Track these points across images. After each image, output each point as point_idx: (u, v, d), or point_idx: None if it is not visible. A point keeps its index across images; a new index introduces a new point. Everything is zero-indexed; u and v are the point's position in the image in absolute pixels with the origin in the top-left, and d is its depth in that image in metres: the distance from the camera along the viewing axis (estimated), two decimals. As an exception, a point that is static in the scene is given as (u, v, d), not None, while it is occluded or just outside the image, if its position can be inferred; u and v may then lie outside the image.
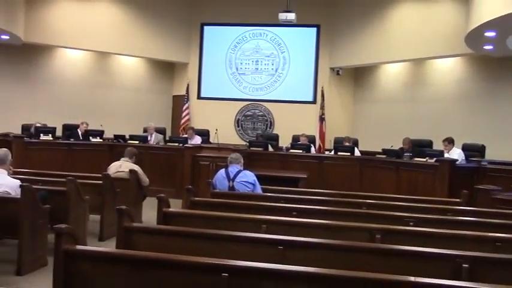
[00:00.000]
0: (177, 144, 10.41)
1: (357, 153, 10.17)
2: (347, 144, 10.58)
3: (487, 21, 7.77)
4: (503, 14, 7.35)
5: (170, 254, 2.86)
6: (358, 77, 13.46)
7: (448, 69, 11.33)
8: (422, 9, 11.01)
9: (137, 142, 10.22)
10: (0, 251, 5.19)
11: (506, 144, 9.67)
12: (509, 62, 9.92)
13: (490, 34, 8.41)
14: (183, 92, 13.58)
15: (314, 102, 13.10)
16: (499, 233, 3.93)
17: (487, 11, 7.82)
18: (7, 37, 10.99)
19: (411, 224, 4.34)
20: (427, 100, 11.60)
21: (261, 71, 13.62)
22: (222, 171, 6.03)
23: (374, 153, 9.96)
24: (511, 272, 3.01)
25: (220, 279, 2.58)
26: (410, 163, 8.79)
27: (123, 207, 3.54)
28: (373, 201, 5.58)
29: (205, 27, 13.77)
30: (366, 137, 11.78)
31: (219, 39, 13.77)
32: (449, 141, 8.98)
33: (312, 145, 10.85)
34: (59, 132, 10.76)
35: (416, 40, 10.96)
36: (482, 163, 8.56)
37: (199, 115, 13.34)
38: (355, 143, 10.86)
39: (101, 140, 10.46)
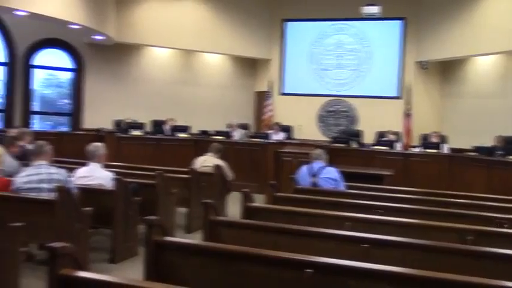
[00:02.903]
0: (260, 139, 10.53)
1: (445, 150, 9.77)
2: (435, 140, 10.19)
3: None
4: None
5: (253, 247, 2.91)
6: (446, 70, 12.89)
7: (547, 60, 10.56)
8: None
9: (221, 137, 10.45)
10: (96, 240, 5.51)
11: None
12: None
13: None
14: (266, 88, 13.69)
15: (399, 97, 12.73)
16: None
17: None
18: (101, 37, 11.65)
19: (506, 225, 4.10)
20: (523, 94, 10.88)
21: (344, 66, 13.42)
22: (305, 167, 6.02)
23: (463, 151, 9.52)
24: None
25: (304, 275, 2.59)
26: (504, 161, 8.31)
27: (209, 201, 3.64)
28: (462, 200, 5.35)
29: (287, 23, 13.78)
30: (454, 134, 11.26)
31: (301, 35, 13.73)
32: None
33: (397, 141, 10.56)
34: (148, 128, 11.26)
35: (508, 31, 10.29)
36: None
37: (281, 111, 13.39)
38: (444, 140, 10.43)
39: (187, 135, 10.81)
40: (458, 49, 11.62)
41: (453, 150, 9.94)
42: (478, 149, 9.04)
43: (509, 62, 11.33)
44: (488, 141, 9.46)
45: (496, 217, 4.33)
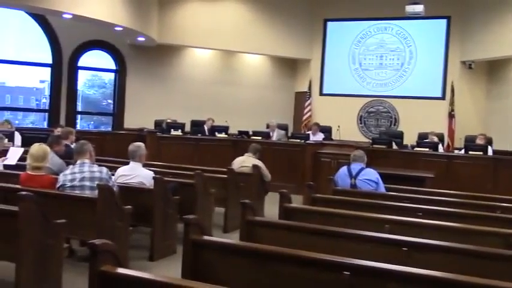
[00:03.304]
0: (298, 140, 10.49)
1: (490, 152, 9.47)
2: (480, 142, 9.90)
3: None
4: None
5: (291, 248, 2.89)
6: (492, 70, 12.50)
7: None
8: None
9: (260, 138, 10.46)
10: (135, 237, 5.60)
11: None
12: None
13: None
14: (305, 89, 13.63)
15: (443, 98, 12.43)
16: None
17: None
18: (143, 39, 11.86)
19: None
20: None
21: (386, 66, 13.22)
22: (345, 168, 5.96)
23: (509, 153, 9.21)
24: None
25: (341, 277, 2.56)
26: (553, 164, 7.99)
27: (247, 201, 3.65)
28: (509, 204, 5.17)
29: (328, 23, 13.68)
30: (500, 136, 10.90)
31: (342, 35, 13.60)
32: None
33: (439, 143, 10.31)
34: (187, 128, 11.39)
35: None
36: None
37: (321, 111, 13.31)
38: (489, 142, 10.12)
39: (226, 136, 10.87)
40: (505, 48, 11.25)
41: (499, 152, 9.63)
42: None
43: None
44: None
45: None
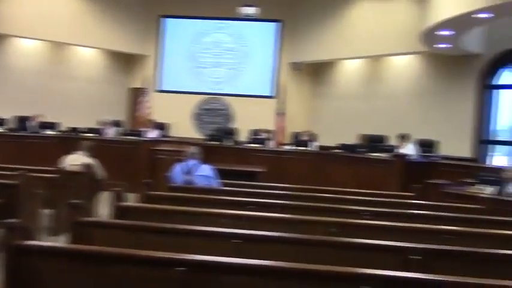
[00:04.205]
0: (134, 137, 10.27)
1: (314, 147, 10.28)
2: (306, 139, 10.69)
3: (442, 21, 7.99)
4: (457, 14, 7.58)
5: (125, 248, 2.82)
6: (318, 72, 13.60)
7: (404, 66, 11.60)
8: (379, 7, 11.22)
9: (93, 135, 10.02)
10: None
11: (457, 140, 9.99)
12: (462, 60, 10.23)
13: (445, 33, 8.65)
14: (141, 85, 13.38)
15: (273, 96, 13.16)
16: (449, 225, 4.07)
17: (442, 11, 8.05)
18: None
19: (366, 217, 4.42)
20: (384, 96, 11.84)
21: (221, 65, 13.56)
22: (180, 164, 6.00)
23: (332, 148, 10.10)
24: (460, 263, 3.11)
25: (176, 274, 2.56)
26: (366, 158, 8.96)
27: (77, 201, 3.47)
28: (330, 195, 5.67)
29: (166, 20, 13.60)
30: (325, 132, 11.90)
31: (180, 32, 13.63)
32: (404, 137, 9.21)
33: (270, 139, 10.90)
34: (12, 124, 10.41)
35: (373, 37, 11.16)
36: (434, 158, 8.86)
37: (157, 108, 13.16)
38: (314, 138, 10.97)
39: (54, 133, 10.20)
40: (329, 52, 12.33)
41: (321, 147, 10.50)
42: (343, 147, 9.65)
43: (372, 66, 12.27)
44: (353, 140, 10.15)
45: (359, 209, 4.66)
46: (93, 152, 7.36)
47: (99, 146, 8.66)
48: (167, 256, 2.66)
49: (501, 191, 6.34)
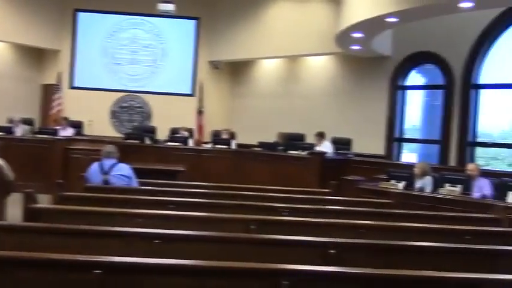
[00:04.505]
0: (46, 136, 9.82)
1: (234, 146, 10.35)
2: (224, 137, 10.72)
3: (355, 23, 8.31)
4: (369, 17, 7.93)
5: (38, 252, 2.69)
6: (236, 71, 13.68)
7: (321, 66, 11.96)
8: (296, 8, 11.47)
9: (1, 134, 9.47)
10: None
11: (372, 138, 10.47)
12: (375, 62, 10.72)
13: (357, 35, 9.01)
14: (54, 81, 12.80)
15: (193, 95, 13.08)
16: (363, 220, 4.25)
17: (355, 14, 8.37)
18: None
19: (285, 213, 4.51)
20: (301, 96, 12.13)
21: (139, 62, 13.27)
22: (96, 164, 5.80)
23: (251, 146, 10.22)
24: (374, 256, 3.26)
25: (92, 277, 2.48)
26: (284, 156, 9.15)
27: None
28: (249, 192, 5.72)
29: (80, 14, 13.08)
30: (243, 130, 12.02)
31: (94, 27, 13.16)
32: (321, 135, 9.51)
33: (190, 138, 10.84)
34: None
35: (291, 37, 11.40)
36: (349, 156, 9.23)
37: (72, 105, 12.65)
38: (233, 136, 11.04)
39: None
40: (247, 51, 12.43)
41: (240, 146, 10.60)
42: (262, 145, 9.79)
43: (290, 66, 12.53)
44: (272, 138, 10.32)
45: (278, 206, 4.74)
46: (1, 152, 6.94)
47: (8, 146, 8.20)
48: (83, 259, 2.57)
49: (410, 186, 6.73)
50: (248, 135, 11.61)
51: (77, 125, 11.29)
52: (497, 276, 2.76)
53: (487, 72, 9.52)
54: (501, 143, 9.74)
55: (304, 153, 8.90)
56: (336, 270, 2.65)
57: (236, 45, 12.56)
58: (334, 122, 11.05)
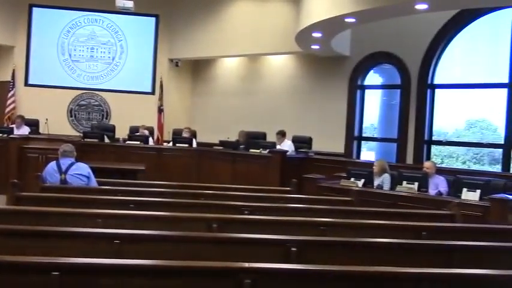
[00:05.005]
0: (1, 134, 9.54)
1: (194, 144, 10.29)
2: (185, 135, 10.65)
3: (314, 23, 8.40)
4: (328, 17, 8.02)
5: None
6: (197, 69, 13.61)
7: (281, 65, 12.03)
8: (257, 7, 11.50)
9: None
10: None
11: (333, 136, 10.62)
12: (335, 62, 10.86)
13: (317, 35, 9.11)
14: (8, 78, 12.41)
15: (153, 93, 12.92)
16: (324, 217, 4.30)
17: (314, 13, 8.46)
18: None
19: (246, 212, 4.52)
20: (262, 94, 12.18)
21: (97, 59, 13.02)
22: (53, 163, 5.67)
23: (212, 145, 10.18)
24: (334, 252, 3.30)
25: (50, 279, 2.42)
26: (246, 154, 9.17)
27: None
28: (210, 191, 5.71)
29: (34, 9, 12.72)
30: (204, 129, 11.98)
31: (50, 23, 12.82)
32: (281, 134, 9.58)
33: (150, 136, 10.72)
34: None
35: (252, 36, 11.42)
36: (309, 154, 9.33)
37: (27, 103, 12.30)
38: (194, 135, 10.98)
39: None
40: (207, 50, 12.37)
41: (201, 144, 10.56)
42: (223, 144, 9.78)
43: (251, 64, 12.56)
44: (233, 136, 10.33)
45: (239, 205, 4.75)
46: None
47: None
48: (40, 261, 2.51)
49: (370, 184, 6.85)
50: (209, 134, 11.57)
51: (33, 124, 11.01)
52: (452, 270, 2.85)
53: (442, 73, 9.80)
54: (456, 142, 10.04)
55: (265, 152, 8.93)
56: (298, 267, 2.68)
57: (197, 43, 12.48)
58: (295, 120, 11.14)
